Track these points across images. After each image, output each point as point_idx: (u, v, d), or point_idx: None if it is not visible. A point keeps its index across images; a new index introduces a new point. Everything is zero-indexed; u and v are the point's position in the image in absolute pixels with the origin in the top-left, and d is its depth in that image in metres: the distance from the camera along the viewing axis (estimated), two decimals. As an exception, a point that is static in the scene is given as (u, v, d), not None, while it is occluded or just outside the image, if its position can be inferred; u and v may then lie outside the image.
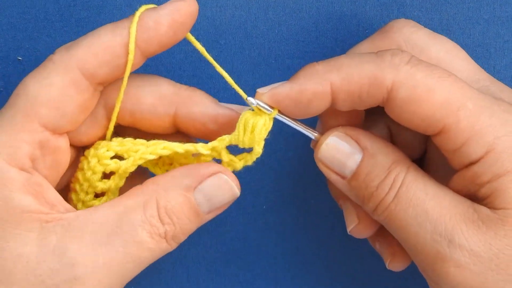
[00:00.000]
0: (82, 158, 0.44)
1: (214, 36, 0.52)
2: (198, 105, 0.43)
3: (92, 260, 0.37)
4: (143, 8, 0.41)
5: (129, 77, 0.42)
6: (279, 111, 0.41)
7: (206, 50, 0.52)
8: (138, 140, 0.43)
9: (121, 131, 0.45)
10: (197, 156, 0.44)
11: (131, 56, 0.40)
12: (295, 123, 0.42)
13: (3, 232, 0.37)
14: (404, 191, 0.39)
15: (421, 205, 0.39)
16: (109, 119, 0.43)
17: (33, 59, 0.51)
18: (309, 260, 0.55)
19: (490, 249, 0.37)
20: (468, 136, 0.37)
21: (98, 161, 0.43)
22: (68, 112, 0.40)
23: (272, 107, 0.41)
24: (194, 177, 0.41)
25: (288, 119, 0.42)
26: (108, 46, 0.40)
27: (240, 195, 0.50)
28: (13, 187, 0.38)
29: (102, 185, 0.44)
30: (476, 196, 0.39)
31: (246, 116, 0.41)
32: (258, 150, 0.42)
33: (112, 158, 0.43)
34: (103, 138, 0.44)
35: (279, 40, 0.52)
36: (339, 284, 0.55)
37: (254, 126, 0.41)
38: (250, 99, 0.41)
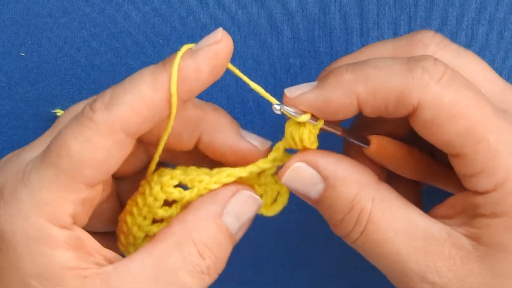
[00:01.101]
0: (143, 182, 0.44)
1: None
2: (221, 134, 0.42)
3: None
4: (179, 55, 0.38)
5: None
6: (325, 121, 0.40)
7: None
8: (201, 169, 0.43)
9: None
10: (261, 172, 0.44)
11: (173, 111, 0.39)
12: (341, 132, 0.41)
13: None
14: (371, 230, 0.38)
15: (392, 244, 0.38)
16: (146, 153, 0.43)
17: (36, 55, 0.51)
18: (310, 257, 0.55)
19: (463, 285, 0.37)
20: (481, 169, 0.37)
21: (161, 188, 0.42)
22: (112, 169, 0.39)
23: (317, 118, 0.40)
24: (219, 202, 0.40)
25: (333, 129, 0.41)
26: (150, 103, 0.38)
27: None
28: (54, 245, 0.37)
29: (162, 212, 0.43)
30: (472, 220, 0.38)
31: (290, 129, 0.41)
32: (314, 146, 0.42)
33: (175, 186, 0.43)
34: (138, 169, 0.44)
35: (282, 39, 0.52)
36: (340, 282, 0.55)
37: (301, 138, 0.41)
38: (276, 107, 0.40)
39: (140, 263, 0.38)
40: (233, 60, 0.51)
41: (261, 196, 0.44)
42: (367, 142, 0.42)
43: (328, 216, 0.41)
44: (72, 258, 0.38)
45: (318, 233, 0.54)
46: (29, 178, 0.38)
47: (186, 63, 0.38)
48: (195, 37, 0.52)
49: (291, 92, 0.40)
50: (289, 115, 0.40)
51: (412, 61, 0.38)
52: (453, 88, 0.37)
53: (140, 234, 0.43)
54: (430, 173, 0.44)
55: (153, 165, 0.43)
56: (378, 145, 0.42)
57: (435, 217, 0.39)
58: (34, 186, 0.37)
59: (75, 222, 0.39)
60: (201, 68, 0.38)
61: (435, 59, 0.38)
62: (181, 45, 0.51)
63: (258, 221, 0.54)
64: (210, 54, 0.38)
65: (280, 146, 0.43)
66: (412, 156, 0.43)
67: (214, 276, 0.40)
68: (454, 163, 0.38)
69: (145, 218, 0.43)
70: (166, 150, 0.43)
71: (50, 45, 0.51)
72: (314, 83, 0.40)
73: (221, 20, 0.51)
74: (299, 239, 0.55)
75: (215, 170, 0.42)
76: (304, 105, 0.39)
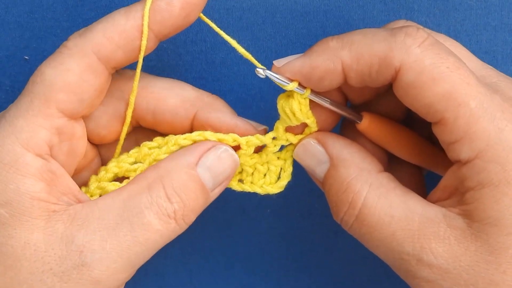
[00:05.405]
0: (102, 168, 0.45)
1: (221, 38, 0.51)
2: (218, 112, 0.43)
3: (99, 246, 0.38)
4: None
5: (154, 79, 0.43)
6: (312, 90, 0.41)
7: (214, 51, 0.52)
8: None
9: (140, 132, 0.46)
10: (262, 151, 0.45)
11: (144, 41, 0.40)
12: (329, 104, 0.42)
13: (11, 218, 0.37)
14: (366, 214, 0.39)
15: (387, 227, 0.38)
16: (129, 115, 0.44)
17: (40, 58, 0.51)
18: (313, 264, 0.55)
19: (460, 265, 0.37)
20: (462, 135, 0.37)
21: (98, 186, 0.44)
22: (85, 97, 0.40)
23: (304, 87, 0.41)
24: (194, 154, 0.41)
25: (321, 98, 0.42)
26: (122, 30, 0.40)
27: (244, 199, 0.50)
28: (27, 172, 0.38)
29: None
30: (463, 197, 0.38)
31: (281, 102, 0.42)
32: (311, 124, 0.43)
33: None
34: (119, 134, 0.45)
35: (286, 43, 0.52)
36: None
37: (292, 110, 0.41)
38: (259, 70, 0.41)
39: (109, 201, 0.39)
40: (238, 65, 0.52)
41: (264, 175, 0.46)
42: (360, 118, 0.43)
43: (328, 199, 0.42)
44: (43, 190, 0.38)
45: (321, 240, 0.54)
46: (8, 110, 0.40)
47: None
48: (200, 42, 0.52)
49: (279, 62, 0.41)
50: (273, 80, 0.40)
51: (396, 28, 0.39)
52: (434, 51, 0.37)
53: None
54: (425, 155, 0.44)
55: (125, 128, 0.44)
56: (370, 121, 0.43)
57: (433, 202, 0.40)
58: (11, 115, 0.39)
59: (52, 157, 0.40)
60: (173, 1, 0.40)
61: (419, 27, 0.39)
62: (185, 49, 0.52)
63: (262, 227, 0.54)
64: None
65: (278, 125, 0.44)
66: (406, 137, 0.44)
67: (182, 223, 0.40)
68: (437, 131, 0.38)
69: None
70: (154, 119, 0.44)
71: (54, 48, 0.50)
72: (301, 54, 0.41)
73: (225, 25, 0.51)
74: (302, 245, 0.54)
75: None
76: (290, 72, 0.40)
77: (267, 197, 0.53)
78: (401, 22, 0.44)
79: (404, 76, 0.38)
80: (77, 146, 0.42)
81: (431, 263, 0.37)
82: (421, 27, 0.40)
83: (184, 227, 0.41)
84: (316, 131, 0.43)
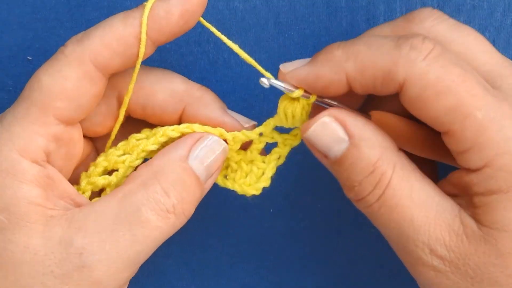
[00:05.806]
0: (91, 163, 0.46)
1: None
2: (206, 108, 0.44)
3: (98, 248, 0.38)
4: None
5: (144, 71, 0.43)
6: (318, 96, 0.41)
7: (216, 52, 0.52)
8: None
9: (132, 123, 0.46)
10: (249, 147, 0.45)
11: (142, 49, 0.40)
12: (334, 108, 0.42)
13: (10, 223, 0.38)
14: (390, 195, 0.39)
15: (407, 211, 0.38)
16: (119, 107, 0.44)
17: (42, 59, 0.50)
18: (315, 264, 0.55)
19: (468, 263, 0.37)
20: (470, 146, 0.37)
21: (88, 182, 0.45)
22: (83, 103, 0.41)
23: (309, 93, 0.41)
24: (184, 147, 0.42)
25: (327, 102, 0.42)
26: (120, 37, 0.40)
27: (247, 198, 0.50)
28: (23, 178, 0.38)
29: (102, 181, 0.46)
30: (470, 200, 0.38)
31: (284, 103, 0.42)
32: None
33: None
34: (113, 126, 0.45)
35: (289, 44, 0.52)
36: (345, 286, 0.55)
37: (294, 113, 0.42)
38: (263, 80, 0.41)
39: (105, 203, 0.39)
40: (241, 66, 0.52)
41: (246, 175, 0.46)
42: (368, 118, 0.42)
43: (346, 177, 0.40)
44: (40, 195, 0.39)
45: (323, 241, 0.54)
46: (4, 116, 0.40)
47: (158, 5, 0.40)
48: (202, 42, 0.52)
49: (285, 67, 0.41)
50: (281, 89, 0.41)
51: (402, 38, 0.38)
52: (439, 64, 0.37)
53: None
54: (436, 149, 0.44)
55: (117, 125, 0.45)
56: (378, 120, 0.42)
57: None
58: (8, 122, 0.39)
59: (50, 162, 0.40)
60: (172, 9, 0.40)
61: (425, 37, 0.38)
62: (188, 50, 0.52)
63: (264, 227, 0.54)
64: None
65: (270, 122, 0.44)
66: (417, 132, 0.43)
67: (181, 217, 0.40)
68: (446, 140, 0.38)
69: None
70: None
71: (56, 49, 0.51)
72: (308, 59, 0.41)
73: (228, 26, 0.51)
74: (304, 246, 0.55)
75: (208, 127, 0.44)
76: (295, 80, 0.40)
77: (270, 197, 0.54)
78: (427, 10, 0.42)
79: (408, 90, 0.37)
80: (74, 149, 0.43)
81: (444, 255, 0.38)
82: (427, 37, 0.38)
83: (184, 221, 0.41)
84: (331, 108, 0.42)
